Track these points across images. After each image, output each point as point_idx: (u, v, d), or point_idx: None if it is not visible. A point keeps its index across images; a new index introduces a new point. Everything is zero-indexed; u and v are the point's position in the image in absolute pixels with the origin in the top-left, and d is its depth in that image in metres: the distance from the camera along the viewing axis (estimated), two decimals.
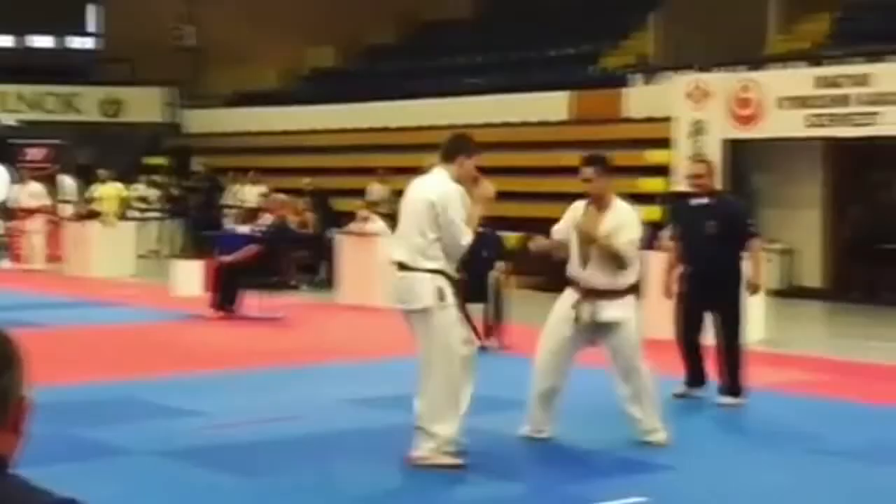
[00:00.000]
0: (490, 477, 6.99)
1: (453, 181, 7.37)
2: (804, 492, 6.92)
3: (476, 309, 12.32)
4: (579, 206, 8.01)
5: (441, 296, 7.07)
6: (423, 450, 6.94)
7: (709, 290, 9.48)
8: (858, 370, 11.44)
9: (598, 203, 7.85)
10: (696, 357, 9.63)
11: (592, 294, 7.65)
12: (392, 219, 17.15)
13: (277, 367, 11.05)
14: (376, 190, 20.69)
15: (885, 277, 17.03)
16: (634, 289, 7.91)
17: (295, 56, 28.76)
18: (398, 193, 19.83)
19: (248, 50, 27.44)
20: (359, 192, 20.58)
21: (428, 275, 7.09)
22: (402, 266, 7.23)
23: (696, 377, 9.64)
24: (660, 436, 7.64)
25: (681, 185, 18.40)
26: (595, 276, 7.68)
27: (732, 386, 9.30)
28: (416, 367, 7.04)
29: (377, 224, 16.86)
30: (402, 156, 20.29)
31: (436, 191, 7.33)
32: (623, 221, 7.74)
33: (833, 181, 18.19)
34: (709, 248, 9.46)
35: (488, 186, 7.59)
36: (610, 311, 7.63)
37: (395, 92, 23.87)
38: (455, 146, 7.64)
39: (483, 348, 12.06)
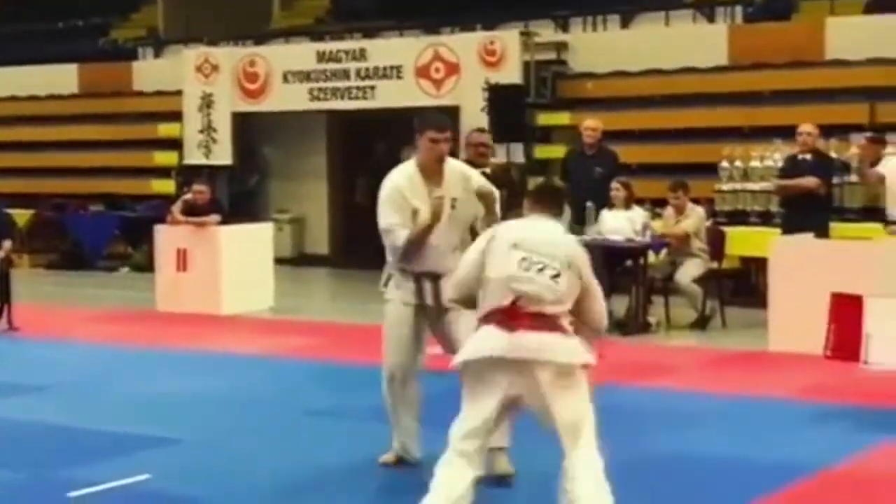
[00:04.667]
0: None
1: (417, 167, 6.68)
2: (294, 451, 7.36)
3: None
4: None
5: (385, 282, 6.89)
6: None
7: None
8: (357, 332, 12.21)
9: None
10: None
11: None
12: None
13: None
14: None
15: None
16: None
17: None
18: None
19: None
20: None
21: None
22: None
23: None
24: None
25: (191, 159, 18.82)
26: None
27: None
28: None
29: None
30: None
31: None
32: None
33: (336, 152, 19.12)
34: None
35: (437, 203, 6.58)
36: None
37: None
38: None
39: None
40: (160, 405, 8.70)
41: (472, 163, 8.79)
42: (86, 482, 6.51)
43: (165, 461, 7.13)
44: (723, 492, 6.44)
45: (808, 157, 12.06)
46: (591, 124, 13.13)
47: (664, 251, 12.42)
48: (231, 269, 13.41)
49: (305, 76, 18.01)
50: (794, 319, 10.31)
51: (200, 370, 10.14)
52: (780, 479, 6.60)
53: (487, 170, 9.22)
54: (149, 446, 7.46)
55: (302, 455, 7.29)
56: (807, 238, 11.07)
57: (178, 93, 19.10)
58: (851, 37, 15.00)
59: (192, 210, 13.86)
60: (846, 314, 9.88)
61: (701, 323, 12.09)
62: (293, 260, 18.24)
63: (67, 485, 6.46)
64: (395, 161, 7.09)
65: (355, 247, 18.51)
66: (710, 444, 7.43)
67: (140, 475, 6.72)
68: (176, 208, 14.06)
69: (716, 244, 12.40)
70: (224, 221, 13.82)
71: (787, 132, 12.77)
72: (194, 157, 18.87)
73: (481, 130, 9.97)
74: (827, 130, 13.05)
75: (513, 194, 7.71)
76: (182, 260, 13.71)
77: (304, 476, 6.82)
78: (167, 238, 13.98)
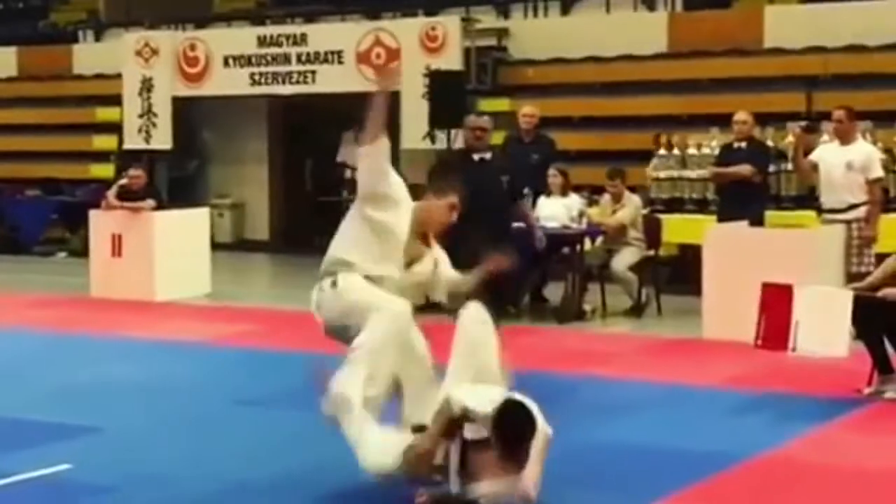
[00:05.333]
0: None
1: None
2: (221, 441, 7.30)
3: None
4: None
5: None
6: None
7: None
8: (294, 319, 12.12)
9: None
10: None
11: None
12: None
13: None
14: None
15: (328, 228, 18.00)
16: None
17: None
18: None
19: None
20: None
21: None
22: None
23: None
24: None
25: (131, 143, 18.63)
26: None
27: None
28: None
29: None
30: None
31: None
32: None
33: (277, 137, 19.02)
34: None
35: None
36: None
37: None
38: None
39: None
40: (85, 393, 8.59)
41: (470, 147, 8.50)
42: (1, 472, 6.39)
43: (87, 451, 7.01)
44: (653, 481, 6.41)
45: (743, 145, 12.11)
46: (529, 111, 13.13)
47: (600, 238, 12.42)
48: (165, 254, 13.30)
49: (246, 60, 17.89)
50: (728, 307, 10.34)
51: (129, 358, 10.01)
52: (710, 467, 6.61)
53: (487, 155, 8.91)
54: (71, 435, 7.33)
55: (229, 445, 7.21)
56: (740, 226, 11.10)
57: (118, 76, 18.91)
58: (789, 25, 15.09)
59: (127, 195, 13.72)
60: (776, 304, 9.90)
61: (636, 310, 12.11)
62: (233, 245, 18.14)
63: None
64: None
65: (295, 232, 18.44)
66: (641, 433, 7.42)
67: (60, 465, 6.60)
68: (111, 193, 13.92)
69: (652, 232, 12.42)
70: (161, 206, 13.70)
71: (726, 120, 12.80)
72: (134, 142, 18.69)
73: (480, 114, 9.56)
74: (765, 118, 13.12)
75: None
76: (117, 245, 13.57)
77: (229, 467, 6.73)
78: (102, 223, 13.84)
